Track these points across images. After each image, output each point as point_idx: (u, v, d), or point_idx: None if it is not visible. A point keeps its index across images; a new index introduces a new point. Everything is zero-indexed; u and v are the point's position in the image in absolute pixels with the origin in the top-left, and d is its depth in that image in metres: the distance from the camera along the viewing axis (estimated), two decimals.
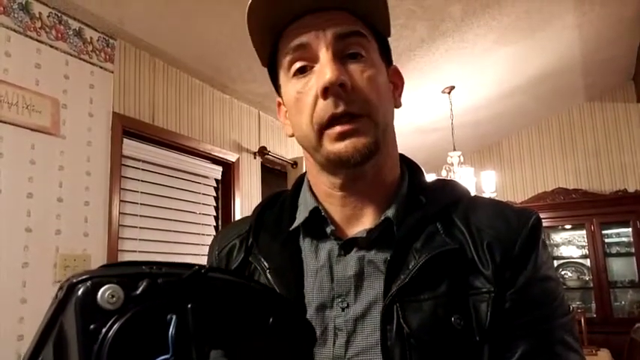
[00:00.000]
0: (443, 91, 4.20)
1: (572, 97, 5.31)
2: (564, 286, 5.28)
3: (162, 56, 2.95)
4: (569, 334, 0.64)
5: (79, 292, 0.37)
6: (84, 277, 0.38)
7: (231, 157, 3.51)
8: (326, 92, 0.63)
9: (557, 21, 3.56)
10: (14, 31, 2.20)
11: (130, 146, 2.77)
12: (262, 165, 3.86)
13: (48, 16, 2.35)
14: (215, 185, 3.48)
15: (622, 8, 3.62)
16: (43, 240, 2.23)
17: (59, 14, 2.40)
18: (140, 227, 2.81)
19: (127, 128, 2.71)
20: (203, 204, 3.33)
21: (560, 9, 3.41)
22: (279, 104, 0.77)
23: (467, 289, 0.63)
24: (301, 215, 0.73)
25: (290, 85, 0.68)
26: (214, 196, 3.46)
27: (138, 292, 0.38)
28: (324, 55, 0.64)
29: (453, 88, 4.16)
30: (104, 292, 0.37)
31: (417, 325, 0.61)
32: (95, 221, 2.47)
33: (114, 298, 0.37)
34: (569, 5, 3.39)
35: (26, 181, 2.18)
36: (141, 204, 2.84)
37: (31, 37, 2.26)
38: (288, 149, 4.15)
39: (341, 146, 0.64)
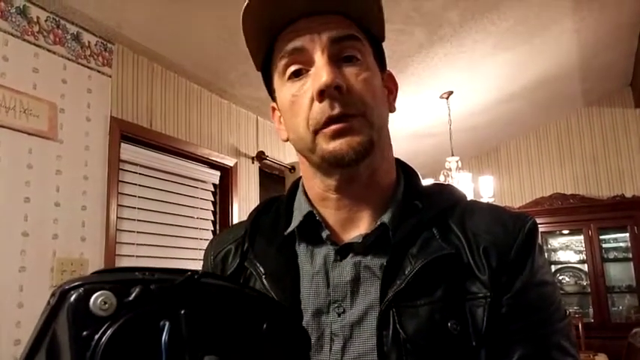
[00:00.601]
0: (441, 97, 4.20)
1: (570, 102, 5.32)
2: (562, 291, 5.28)
3: (160, 61, 2.95)
4: (566, 339, 0.63)
5: (72, 299, 0.37)
6: (76, 283, 0.38)
7: (229, 161, 3.51)
8: (322, 95, 0.63)
9: (555, 26, 3.57)
10: (12, 35, 2.20)
11: (128, 151, 2.77)
12: (260, 170, 3.86)
13: (46, 21, 2.35)
14: (213, 190, 3.47)
15: (620, 14, 3.63)
16: (40, 244, 2.22)
17: (57, 18, 2.40)
18: (138, 232, 2.81)
19: (124, 133, 2.70)
20: (201, 209, 3.33)
21: (558, 14, 3.42)
22: (274, 109, 0.77)
23: (463, 294, 0.63)
24: (296, 220, 0.73)
25: (285, 89, 0.68)
26: (212, 201, 3.45)
27: (130, 298, 0.38)
28: (320, 58, 0.64)
29: (451, 93, 4.16)
30: (96, 299, 0.37)
31: (414, 331, 0.60)
32: (92, 226, 2.46)
33: (106, 305, 0.37)
34: (567, 11, 3.40)
35: (23, 186, 2.18)
36: (138, 208, 2.83)
37: (28, 42, 2.26)
38: (286, 154, 4.14)
39: (336, 144, 0.64)
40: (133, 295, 0.38)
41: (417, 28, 3.09)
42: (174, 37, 2.74)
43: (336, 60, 0.65)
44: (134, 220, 2.80)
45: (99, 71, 2.59)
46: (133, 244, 2.78)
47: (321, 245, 0.70)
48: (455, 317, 0.61)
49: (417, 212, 0.69)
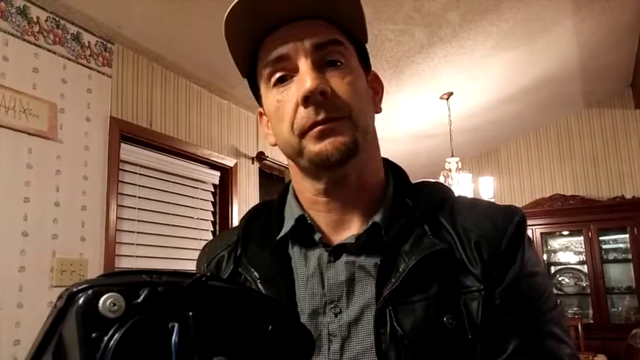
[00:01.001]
0: (441, 97, 4.20)
1: (570, 103, 5.32)
2: (561, 293, 5.28)
3: (160, 61, 2.95)
4: (558, 326, 0.65)
5: (80, 301, 0.37)
6: (84, 285, 0.38)
7: (229, 162, 3.51)
8: (307, 101, 0.63)
9: (555, 27, 3.57)
10: (12, 35, 2.20)
11: (128, 151, 2.76)
12: (260, 170, 3.86)
13: (46, 21, 2.35)
14: (213, 190, 3.47)
15: (620, 15, 3.63)
16: (40, 244, 2.22)
17: (57, 18, 2.40)
18: (137, 232, 2.81)
19: (124, 133, 2.70)
20: (201, 209, 3.33)
21: (558, 16, 3.42)
22: (261, 114, 0.77)
23: (457, 289, 0.64)
24: (288, 224, 0.73)
25: (270, 95, 0.69)
26: (212, 201, 3.45)
27: (139, 300, 0.38)
28: (304, 64, 0.65)
29: (451, 94, 4.16)
30: (105, 301, 0.37)
31: (411, 327, 0.61)
32: (92, 226, 2.46)
33: (115, 307, 0.37)
34: (568, 12, 3.40)
35: (23, 186, 2.18)
36: (138, 209, 2.83)
37: (28, 42, 2.26)
38: None
39: (321, 145, 0.64)
40: (142, 297, 0.39)
41: (418, 28, 3.09)
42: (174, 37, 2.74)
43: (320, 65, 0.66)
44: (134, 220, 2.79)
45: (99, 71, 2.59)
46: (133, 244, 2.77)
47: (314, 248, 0.71)
48: (450, 312, 0.62)
49: (407, 210, 0.70)
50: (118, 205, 2.63)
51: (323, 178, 0.69)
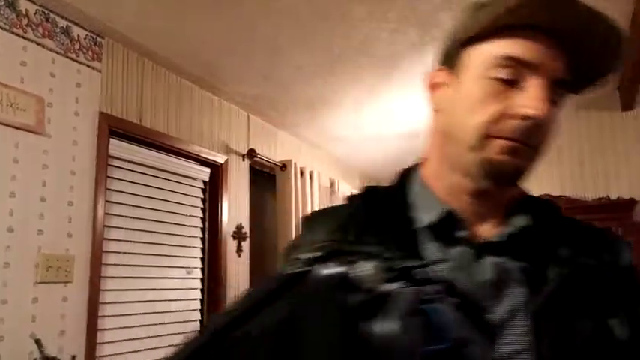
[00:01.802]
0: None
1: None
2: None
3: (150, 56, 2.93)
4: None
5: (334, 270, 0.37)
6: (321, 253, 0.38)
7: (220, 158, 3.49)
8: (524, 120, 0.63)
9: None
10: (0, 28, 2.17)
11: (117, 146, 2.74)
12: (251, 167, 3.85)
13: (35, 13, 2.32)
14: (202, 187, 3.45)
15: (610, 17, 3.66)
16: (25, 240, 2.19)
17: (46, 11, 2.37)
18: (126, 228, 2.78)
19: (113, 128, 2.68)
20: (190, 206, 3.31)
21: None
22: (434, 75, 0.75)
23: (605, 306, 0.65)
24: (429, 215, 0.70)
25: (481, 82, 0.66)
26: (202, 198, 3.43)
27: (391, 275, 0.39)
28: (541, 87, 0.64)
29: None
30: (360, 271, 0.37)
31: (566, 339, 0.62)
32: (79, 221, 2.44)
33: (371, 277, 0.37)
34: None
35: (9, 180, 2.15)
36: (127, 205, 2.80)
37: (17, 35, 2.23)
38: (277, 152, 4.13)
39: (503, 158, 0.65)
40: (394, 272, 0.40)
41: (411, 28, 3.09)
42: (165, 32, 2.72)
43: (549, 95, 0.65)
44: (122, 216, 2.77)
45: (88, 65, 2.56)
46: (121, 240, 2.75)
47: (455, 243, 0.68)
48: (600, 326, 0.63)
49: (546, 219, 0.71)
50: (106, 201, 2.61)
51: (480, 183, 0.68)
